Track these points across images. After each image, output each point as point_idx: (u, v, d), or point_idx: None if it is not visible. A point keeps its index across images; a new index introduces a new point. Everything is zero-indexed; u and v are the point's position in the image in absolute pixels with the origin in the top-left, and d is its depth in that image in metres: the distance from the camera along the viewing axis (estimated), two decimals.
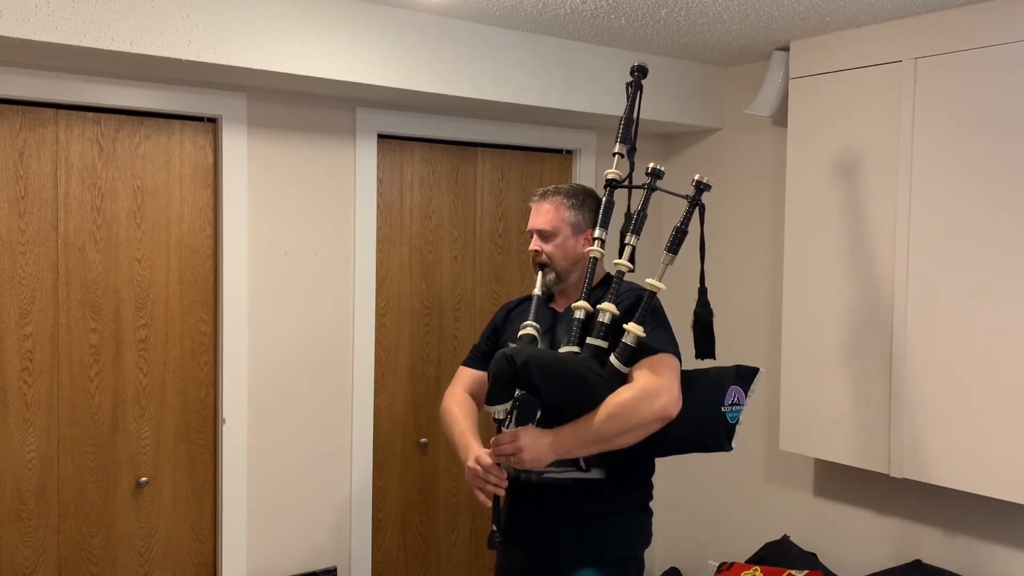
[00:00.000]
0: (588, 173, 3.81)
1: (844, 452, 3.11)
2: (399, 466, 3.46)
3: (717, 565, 3.52)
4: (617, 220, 2.43)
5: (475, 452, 2.31)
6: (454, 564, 3.62)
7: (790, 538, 3.43)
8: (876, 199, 3.00)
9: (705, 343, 2.36)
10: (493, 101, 3.13)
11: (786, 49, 3.33)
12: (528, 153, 3.74)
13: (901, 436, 2.93)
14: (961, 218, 2.79)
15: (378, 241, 3.34)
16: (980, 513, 2.92)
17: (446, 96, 3.04)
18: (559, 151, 3.81)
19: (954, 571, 2.96)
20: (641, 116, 2.48)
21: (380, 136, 3.31)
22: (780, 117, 3.43)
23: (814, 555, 3.32)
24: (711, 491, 3.83)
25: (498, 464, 2.25)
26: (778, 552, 3.36)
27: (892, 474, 2.96)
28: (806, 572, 3.17)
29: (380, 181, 3.34)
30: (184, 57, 2.51)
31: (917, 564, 3.03)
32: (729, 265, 3.71)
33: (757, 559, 3.39)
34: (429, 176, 3.48)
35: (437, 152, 3.50)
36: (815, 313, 3.19)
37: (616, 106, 3.38)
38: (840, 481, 3.35)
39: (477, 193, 3.61)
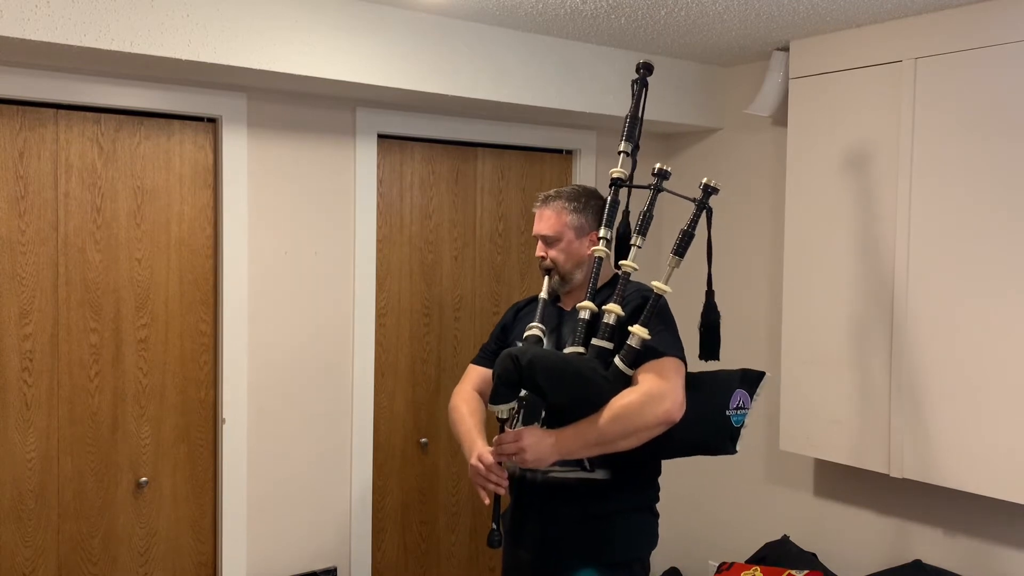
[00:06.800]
0: (588, 173, 3.81)
1: (844, 452, 3.11)
2: (399, 466, 3.46)
3: (717, 565, 3.52)
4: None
5: (478, 450, 2.32)
6: (454, 564, 3.62)
7: (790, 538, 3.43)
8: (876, 199, 3.00)
9: (710, 345, 2.36)
10: (493, 101, 3.13)
11: (786, 49, 3.33)
12: (528, 153, 3.74)
13: (901, 436, 2.93)
14: (961, 218, 2.79)
15: (378, 241, 3.34)
16: (980, 513, 2.92)
17: (446, 96, 3.04)
18: (559, 151, 3.81)
19: (954, 571, 2.96)
20: (642, 116, 2.48)
21: (380, 136, 3.31)
22: (780, 117, 3.43)
23: (814, 555, 3.32)
24: (711, 491, 3.83)
25: (500, 463, 2.25)
26: (778, 552, 3.36)
27: (892, 474, 2.96)
28: (806, 572, 3.17)
29: (380, 181, 3.34)
30: (184, 57, 2.51)
31: (917, 564, 3.03)
32: (729, 265, 3.70)
33: (757, 559, 3.39)
34: (429, 176, 3.48)
35: (437, 152, 3.50)
36: (815, 313, 3.19)
37: (616, 106, 3.38)
38: (840, 481, 3.35)
39: (477, 193, 3.61)
